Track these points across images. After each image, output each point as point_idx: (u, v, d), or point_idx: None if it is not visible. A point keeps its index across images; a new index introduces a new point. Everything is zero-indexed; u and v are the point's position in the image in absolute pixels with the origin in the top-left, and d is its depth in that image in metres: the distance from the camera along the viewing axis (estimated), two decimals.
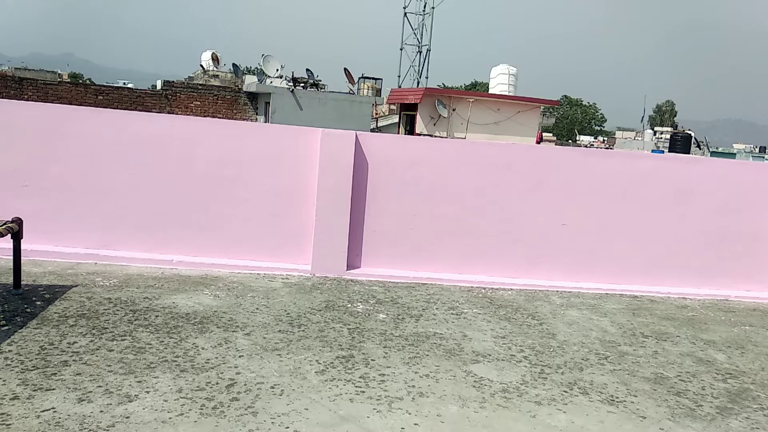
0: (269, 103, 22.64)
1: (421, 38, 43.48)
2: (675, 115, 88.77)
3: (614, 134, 58.06)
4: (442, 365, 3.41)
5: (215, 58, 27.82)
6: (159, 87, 24.75)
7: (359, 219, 5.16)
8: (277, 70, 23.91)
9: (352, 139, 5.02)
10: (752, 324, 4.79)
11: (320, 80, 24.74)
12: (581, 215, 5.38)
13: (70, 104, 16.89)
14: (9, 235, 3.85)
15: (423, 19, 43.07)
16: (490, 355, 3.61)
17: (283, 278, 4.88)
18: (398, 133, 25.21)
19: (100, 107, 16.07)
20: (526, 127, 24.09)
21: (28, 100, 13.62)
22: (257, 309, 4.09)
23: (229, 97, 24.09)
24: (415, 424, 2.73)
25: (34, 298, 3.91)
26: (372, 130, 24.08)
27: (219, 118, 20.65)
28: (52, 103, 13.20)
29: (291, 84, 23.36)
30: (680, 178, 5.50)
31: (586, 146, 38.19)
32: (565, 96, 75.51)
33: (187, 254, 4.98)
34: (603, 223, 5.41)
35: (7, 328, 3.40)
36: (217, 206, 5.08)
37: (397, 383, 3.12)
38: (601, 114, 76.74)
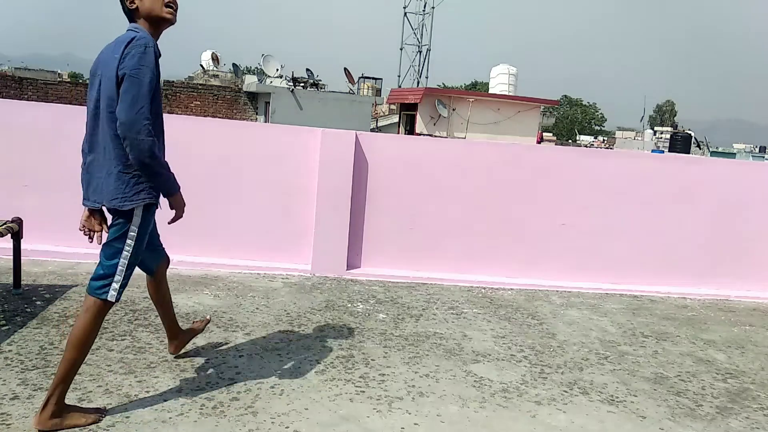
0: (269, 102, 22.64)
1: (421, 38, 43.51)
2: (675, 115, 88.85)
3: (614, 134, 58.12)
4: (442, 365, 3.41)
5: (215, 58, 27.84)
6: None
7: (359, 219, 5.16)
8: (277, 69, 23.92)
9: (352, 139, 5.02)
10: (752, 324, 4.79)
11: (320, 80, 24.75)
12: (581, 215, 5.38)
13: (71, 104, 16.89)
14: (9, 235, 3.85)
15: (423, 19, 43.11)
16: (490, 355, 3.61)
17: (283, 278, 4.88)
18: (398, 133, 25.22)
19: None
20: (526, 126, 24.10)
21: (28, 100, 13.62)
22: (257, 309, 4.09)
23: (229, 96, 24.10)
24: (415, 424, 2.73)
25: (34, 298, 3.91)
26: (372, 130, 24.10)
27: (219, 117, 20.66)
28: (52, 102, 13.19)
29: (291, 84, 23.37)
30: (680, 178, 5.50)
31: (586, 146, 38.22)
32: (565, 96, 75.57)
33: (187, 254, 4.98)
34: (603, 222, 5.41)
35: (7, 327, 3.40)
36: (217, 206, 5.08)
37: (397, 383, 3.12)
38: (601, 114, 76.81)
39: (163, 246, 3.03)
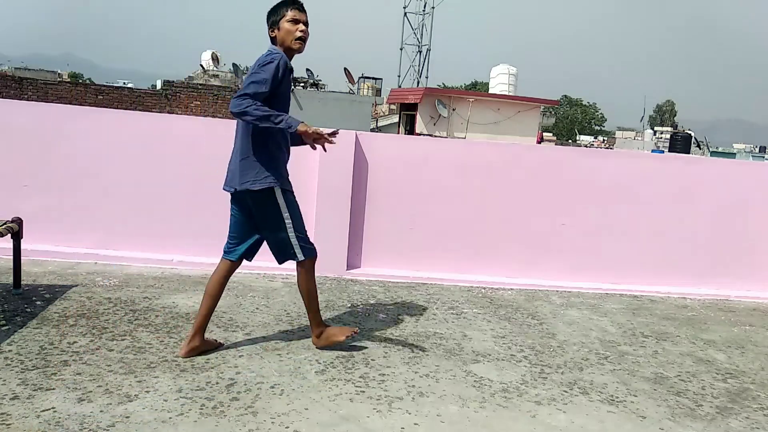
0: None
1: (421, 38, 43.52)
2: (675, 115, 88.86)
3: (614, 134, 58.12)
4: (442, 365, 3.40)
5: (215, 58, 27.84)
6: (159, 87, 24.75)
7: (359, 219, 5.16)
8: None
9: (352, 139, 5.02)
10: (752, 324, 4.79)
11: (320, 80, 24.76)
12: (581, 215, 5.38)
13: (70, 104, 16.89)
14: (9, 235, 3.85)
15: (423, 19, 43.09)
16: (490, 355, 3.61)
17: (283, 278, 4.88)
18: (398, 133, 25.22)
19: (100, 107, 16.07)
20: (526, 126, 24.09)
21: (28, 100, 13.62)
22: (257, 309, 4.09)
23: (229, 96, 24.05)
24: (415, 424, 2.73)
25: (34, 298, 3.91)
26: (372, 130, 24.10)
27: (219, 118, 20.62)
28: (52, 102, 13.19)
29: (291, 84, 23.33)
30: (680, 178, 5.49)
31: (586, 146, 38.21)
32: (565, 96, 75.58)
33: (187, 254, 4.99)
34: (603, 222, 5.41)
35: (7, 327, 3.40)
36: (218, 206, 5.06)
37: (397, 383, 3.12)
38: (601, 114, 76.81)
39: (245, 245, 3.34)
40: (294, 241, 3.16)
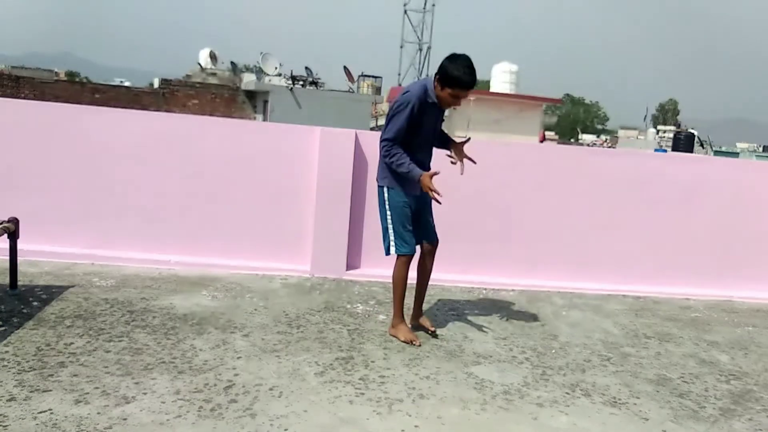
0: (268, 101, 22.57)
1: (422, 36, 43.40)
2: (678, 114, 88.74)
3: (617, 133, 58.05)
4: (443, 367, 3.37)
5: (213, 56, 27.72)
6: (156, 85, 24.70)
7: (359, 219, 5.13)
8: (276, 68, 23.85)
9: (352, 138, 4.98)
10: (756, 325, 4.75)
11: (319, 78, 24.68)
12: (583, 215, 5.34)
13: (67, 103, 16.84)
14: (5, 235, 3.82)
15: (423, 17, 42.96)
16: (491, 357, 3.58)
17: (281, 279, 4.85)
18: None
19: (97, 105, 16.03)
20: (528, 125, 24.01)
21: (24, 99, 13.57)
22: (256, 310, 4.06)
23: (227, 95, 24.04)
24: (415, 426, 2.70)
25: (30, 299, 3.87)
26: (372, 129, 24.02)
27: (217, 116, 20.59)
28: (49, 101, 13.11)
29: (290, 82, 23.30)
30: (683, 178, 5.46)
31: (588, 145, 38.16)
32: (568, 94, 75.53)
33: (184, 254, 4.95)
34: (605, 223, 5.37)
35: (3, 328, 3.37)
36: (215, 206, 5.05)
37: (398, 385, 3.09)
38: (603, 113, 76.76)
39: (436, 232, 3.93)
40: (391, 235, 3.63)
